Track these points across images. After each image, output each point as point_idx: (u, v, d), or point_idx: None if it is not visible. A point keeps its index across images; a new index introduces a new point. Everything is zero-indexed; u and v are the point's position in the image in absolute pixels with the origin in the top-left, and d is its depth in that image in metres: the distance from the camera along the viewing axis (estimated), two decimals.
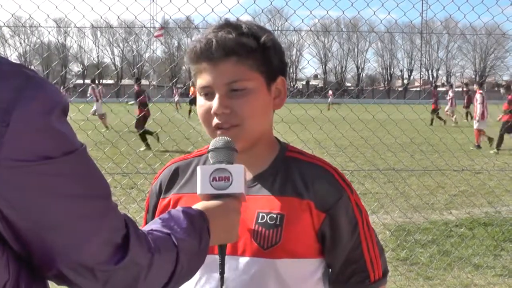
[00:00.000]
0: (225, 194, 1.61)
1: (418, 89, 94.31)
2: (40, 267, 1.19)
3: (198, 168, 1.64)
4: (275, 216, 1.76)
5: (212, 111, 1.72)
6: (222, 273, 1.63)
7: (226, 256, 1.73)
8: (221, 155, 1.66)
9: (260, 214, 1.77)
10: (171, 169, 1.97)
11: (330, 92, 47.30)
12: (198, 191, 1.62)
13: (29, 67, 1.30)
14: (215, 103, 1.71)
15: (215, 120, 1.73)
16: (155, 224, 1.43)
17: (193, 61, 1.76)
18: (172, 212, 1.48)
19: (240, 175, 1.62)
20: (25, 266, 1.18)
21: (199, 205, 1.56)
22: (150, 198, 2.00)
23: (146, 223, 1.99)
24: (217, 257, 1.74)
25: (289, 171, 1.83)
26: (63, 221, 1.15)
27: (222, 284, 1.65)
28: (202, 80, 1.74)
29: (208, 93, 1.74)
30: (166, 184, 1.95)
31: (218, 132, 1.74)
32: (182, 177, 1.93)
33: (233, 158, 1.66)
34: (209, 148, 1.68)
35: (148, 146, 15.83)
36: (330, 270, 1.90)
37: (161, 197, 1.94)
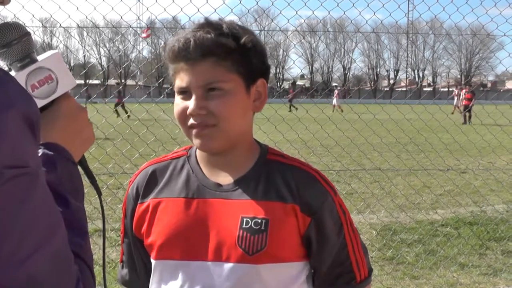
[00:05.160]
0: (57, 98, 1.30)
1: (404, 89, 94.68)
2: None
3: None
4: (260, 221, 1.73)
5: (188, 112, 1.69)
6: (94, 181, 1.51)
7: (210, 263, 1.72)
8: (18, 50, 1.26)
9: (245, 220, 1.73)
10: (148, 172, 1.90)
11: (336, 92, 45.37)
12: None
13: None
14: (191, 104, 1.68)
15: (191, 120, 1.70)
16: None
17: (171, 60, 1.73)
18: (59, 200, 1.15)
19: (60, 65, 1.31)
20: None
21: (46, 136, 1.29)
22: (127, 203, 1.93)
23: (125, 228, 1.95)
24: (201, 263, 1.73)
25: (271, 175, 1.80)
26: None
27: (99, 193, 1.55)
28: (180, 80, 1.71)
29: (185, 93, 1.71)
30: (143, 188, 1.88)
31: (194, 131, 1.71)
32: (160, 180, 1.87)
33: (32, 45, 1.28)
34: None
35: None
36: (313, 272, 1.89)
37: (139, 202, 1.88)
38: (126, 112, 24.50)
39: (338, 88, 51.21)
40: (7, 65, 1.29)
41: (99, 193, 1.51)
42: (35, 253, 0.96)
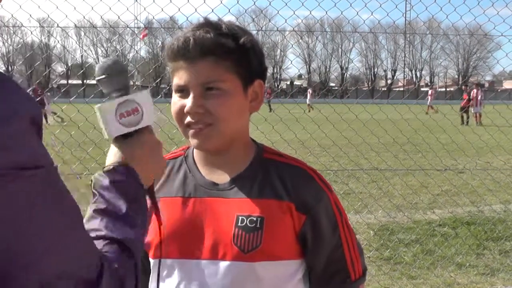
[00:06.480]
0: (138, 129, 1.45)
1: (401, 89, 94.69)
2: None
3: (98, 107, 1.45)
4: (255, 219, 1.74)
5: (185, 110, 1.70)
6: (158, 212, 1.57)
7: (206, 261, 1.73)
8: (117, 82, 1.45)
9: (240, 218, 1.75)
10: None
11: (310, 91, 45.78)
12: (106, 135, 1.45)
13: (13, 67, 1.24)
14: (189, 102, 1.69)
15: (188, 118, 1.71)
16: (97, 224, 1.29)
17: (170, 59, 1.74)
18: (105, 194, 1.33)
19: (148, 102, 1.47)
20: None
21: (117, 155, 1.44)
22: None
23: None
24: (197, 261, 1.73)
25: (267, 173, 1.81)
26: (6, 244, 0.99)
27: (160, 223, 1.60)
28: (178, 78, 1.73)
29: (183, 91, 1.72)
30: None
31: (191, 131, 1.72)
32: (157, 180, 1.90)
33: (128, 82, 1.48)
34: (98, 76, 1.47)
35: None
36: (309, 271, 1.89)
37: None
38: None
39: (312, 87, 52.73)
40: (104, 93, 1.47)
41: (160, 223, 1.59)
42: (53, 248, 1.04)
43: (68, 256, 1.07)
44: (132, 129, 1.44)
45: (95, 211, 1.32)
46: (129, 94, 1.45)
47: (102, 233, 1.27)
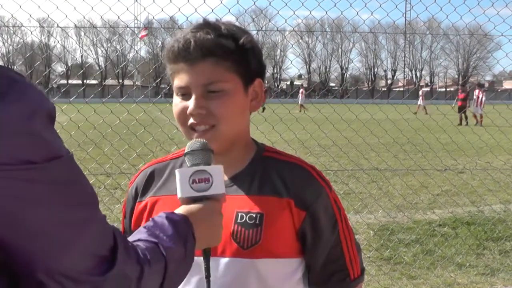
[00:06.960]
0: (206, 196, 1.59)
1: (401, 89, 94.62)
2: (20, 277, 1.13)
3: (177, 171, 1.61)
4: (254, 215, 1.76)
5: (188, 112, 1.72)
6: (208, 276, 1.61)
7: None
8: (198, 157, 1.64)
9: (239, 214, 1.76)
10: (147, 172, 1.95)
11: (302, 91, 43.71)
12: (179, 195, 1.59)
13: (13, 67, 1.27)
14: (191, 103, 1.71)
15: (191, 120, 1.73)
16: (140, 234, 1.41)
17: (171, 60, 1.75)
18: (156, 219, 1.46)
19: (219, 175, 1.62)
20: (4, 279, 1.13)
21: (181, 209, 1.54)
22: (127, 203, 1.98)
23: (124, 228, 1.98)
24: (197, 258, 1.73)
25: (267, 171, 1.82)
26: (42, 227, 1.10)
27: (208, 285, 1.63)
28: (179, 80, 1.74)
29: (185, 94, 1.73)
30: (142, 187, 1.93)
31: (195, 135, 1.73)
32: (158, 179, 1.91)
33: (210, 159, 1.65)
34: (186, 151, 1.66)
35: None
36: (308, 270, 1.89)
37: (138, 200, 1.92)
38: None
39: (303, 87, 51.75)
40: (188, 165, 1.66)
41: (208, 285, 1.66)
42: (76, 230, 1.15)
43: (88, 237, 1.17)
44: (200, 194, 1.60)
45: (144, 227, 1.44)
46: (206, 166, 1.64)
47: (143, 237, 1.39)
